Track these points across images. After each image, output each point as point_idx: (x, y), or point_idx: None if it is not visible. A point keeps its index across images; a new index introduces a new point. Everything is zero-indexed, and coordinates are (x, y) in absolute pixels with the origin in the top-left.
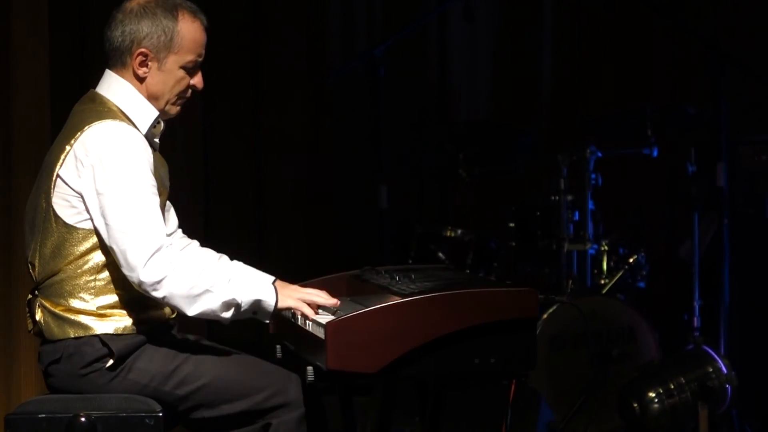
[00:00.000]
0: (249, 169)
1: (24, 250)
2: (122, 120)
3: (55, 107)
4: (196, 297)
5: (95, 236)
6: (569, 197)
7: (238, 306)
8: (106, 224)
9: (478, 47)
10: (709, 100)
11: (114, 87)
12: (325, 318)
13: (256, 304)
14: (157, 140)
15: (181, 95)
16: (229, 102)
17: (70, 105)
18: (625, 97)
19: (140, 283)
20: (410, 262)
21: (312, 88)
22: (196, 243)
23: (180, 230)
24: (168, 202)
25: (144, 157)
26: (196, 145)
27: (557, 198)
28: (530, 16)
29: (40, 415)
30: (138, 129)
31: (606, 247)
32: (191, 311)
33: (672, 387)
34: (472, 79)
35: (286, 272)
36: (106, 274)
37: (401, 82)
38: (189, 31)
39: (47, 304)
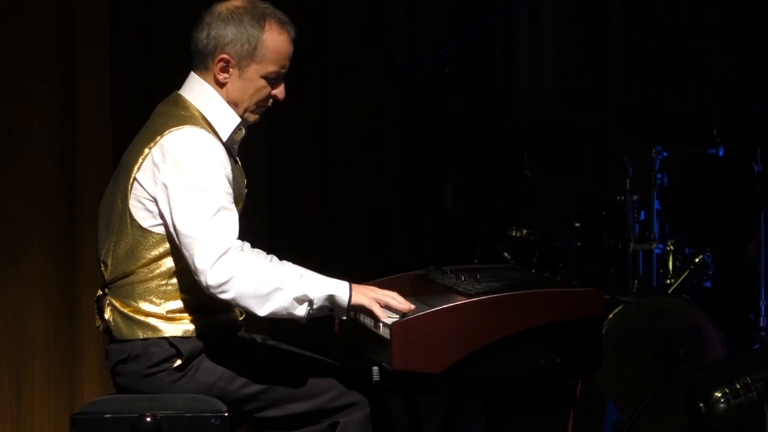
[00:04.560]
0: (314, 169)
1: (89, 249)
2: (203, 126)
3: (116, 107)
4: (266, 296)
5: (168, 241)
6: (635, 197)
7: (311, 302)
8: (176, 229)
9: (543, 46)
10: None
11: (197, 91)
12: (390, 318)
13: (330, 300)
14: (236, 146)
15: (260, 104)
16: (293, 103)
17: (132, 104)
18: (691, 96)
19: (208, 287)
20: (476, 261)
21: (378, 88)
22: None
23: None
24: None
25: (220, 163)
26: (260, 145)
27: (623, 198)
28: (595, 15)
29: (105, 415)
30: (219, 135)
31: (672, 247)
32: (262, 311)
33: (738, 387)
34: (537, 79)
35: (351, 272)
36: (177, 279)
37: (466, 81)
38: (274, 42)
39: (117, 304)
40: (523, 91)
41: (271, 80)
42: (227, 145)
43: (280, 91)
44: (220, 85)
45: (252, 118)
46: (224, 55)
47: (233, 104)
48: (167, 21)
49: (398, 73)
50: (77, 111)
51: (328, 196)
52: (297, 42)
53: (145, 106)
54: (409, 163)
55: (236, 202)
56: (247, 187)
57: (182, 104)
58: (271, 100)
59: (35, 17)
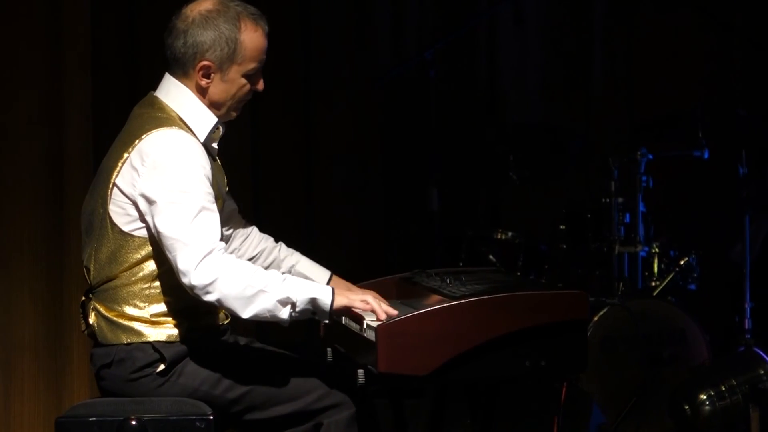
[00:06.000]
0: (299, 172)
1: (77, 252)
2: (180, 127)
3: (97, 110)
4: (250, 298)
5: (150, 244)
6: (620, 199)
7: (293, 305)
8: (158, 231)
9: (528, 49)
10: (760, 102)
11: (173, 92)
12: (376, 321)
13: (313, 303)
14: (215, 145)
15: (242, 100)
16: (278, 106)
17: (114, 106)
18: (676, 98)
19: (192, 287)
20: (461, 264)
21: (362, 90)
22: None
23: (255, 228)
24: (233, 203)
25: (199, 164)
26: (244, 147)
27: (608, 200)
28: (580, 17)
29: (90, 419)
30: (196, 136)
31: (657, 250)
32: (246, 313)
33: (723, 389)
34: (522, 81)
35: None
36: (160, 281)
37: (451, 84)
38: (251, 40)
39: (101, 309)
40: (508, 93)
41: (251, 77)
42: (206, 145)
43: (260, 85)
44: (201, 90)
45: (234, 115)
46: (205, 62)
47: (215, 106)
48: (151, 23)
49: (383, 75)
50: (65, 115)
51: (313, 199)
52: (280, 44)
53: (128, 110)
54: (394, 166)
55: (217, 199)
56: (228, 185)
57: (158, 106)
58: (251, 93)
59: (23, 24)
